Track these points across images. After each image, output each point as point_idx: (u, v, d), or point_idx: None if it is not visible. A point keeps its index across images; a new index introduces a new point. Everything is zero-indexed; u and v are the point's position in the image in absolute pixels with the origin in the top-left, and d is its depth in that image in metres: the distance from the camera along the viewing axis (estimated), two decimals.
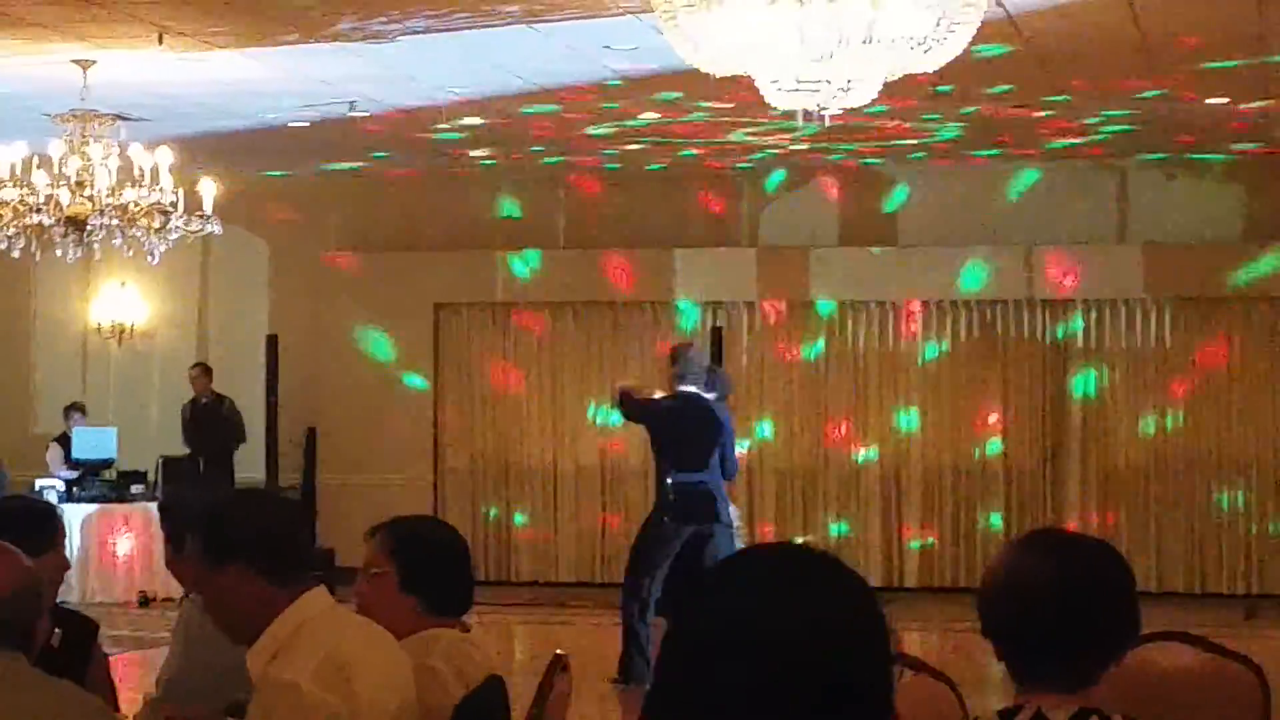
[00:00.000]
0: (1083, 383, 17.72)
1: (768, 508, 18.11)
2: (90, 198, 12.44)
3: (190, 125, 14.70)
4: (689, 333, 17.52)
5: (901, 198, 18.08)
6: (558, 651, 5.39)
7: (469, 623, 5.19)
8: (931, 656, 6.18)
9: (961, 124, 15.03)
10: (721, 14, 8.36)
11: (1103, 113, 14.56)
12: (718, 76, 9.13)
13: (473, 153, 16.75)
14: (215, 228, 13.10)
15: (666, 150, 16.50)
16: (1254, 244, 17.23)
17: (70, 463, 18.03)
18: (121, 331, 19.29)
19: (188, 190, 12.96)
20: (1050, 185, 17.67)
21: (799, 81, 8.84)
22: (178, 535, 5.38)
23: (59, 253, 12.77)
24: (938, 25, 8.43)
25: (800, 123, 9.53)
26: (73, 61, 12.18)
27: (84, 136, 12.58)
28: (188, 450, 18.37)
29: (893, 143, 15.99)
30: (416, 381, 18.67)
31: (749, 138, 15.67)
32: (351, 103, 13.90)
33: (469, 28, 11.30)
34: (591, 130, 15.37)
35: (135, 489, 17.53)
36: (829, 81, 8.79)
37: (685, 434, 12.31)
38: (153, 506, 15.72)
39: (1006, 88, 13.29)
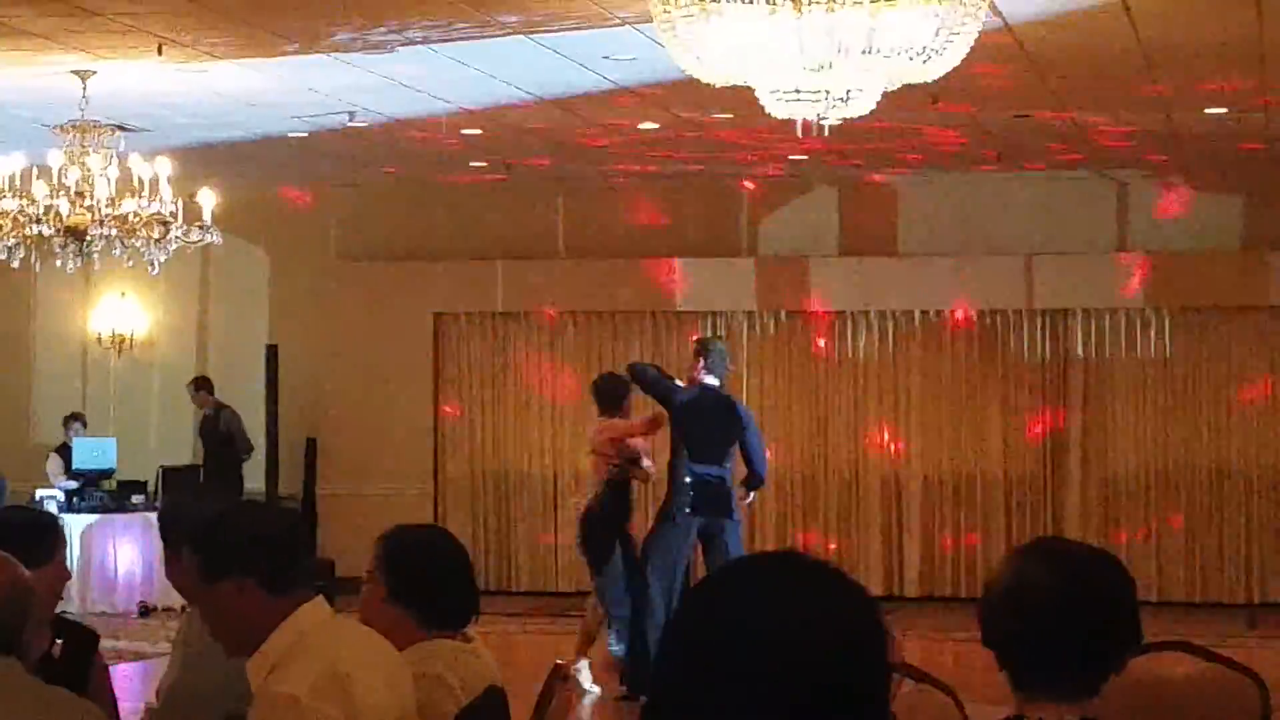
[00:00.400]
0: (1082, 392, 17.72)
1: (768, 517, 18.11)
2: (90, 208, 12.44)
3: (190, 136, 14.70)
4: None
5: (901, 208, 18.09)
6: (558, 661, 5.38)
7: (472, 633, 5.19)
8: (932, 666, 6.18)
9: (960, 134, 15.03)
10: (720, 24, 8.36)
11: (1102, 121, 14.56)
12: (717, 86, 9.13)
13: (472, 163, 16.75)
14: (215, 238, 13.11)
15: (666, 160, 16.50)
16: (1254, 253, 17.24)
17: (70, 473, 18.03)
18: (121, 342, 19.30)
19: (187, 200, 12.96)
20: (1049, 195, 17.68)
21: (798, 91, 8.84)
22: (177, 546, 5.37)
23: (59, 263, 12.78)
24: (936, 35, 8.43)
25: (800, 133, 9.53)
26: (72, 72, 12.18)
27: (83, 147, 12.58)
28: (200, 461, 18.40)
29: (892, 153, 15.99)
30: (416, 391, 18.66)
31: (748, 148, 15.67)
32: (350, 113, 13.90)
33: (467, 38, 11.30)
34: (590, 140, 15.37)
35: (135, 499, 17.53)
36: (828, 91, 8.80)
37: (706, 427, 12.34)
38: (153, 517, 15.69)
39: (1005, 97, 13.29)
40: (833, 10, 8.19)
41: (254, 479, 18.02)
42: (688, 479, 12.30)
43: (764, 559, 2.27)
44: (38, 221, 12.39)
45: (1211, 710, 4.91)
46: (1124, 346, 17.64)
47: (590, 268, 18.33)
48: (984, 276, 17.66)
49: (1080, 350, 17.72)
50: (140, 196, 12.60)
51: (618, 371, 13.39)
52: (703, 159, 16.45)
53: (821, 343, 18.15)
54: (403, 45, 11.50)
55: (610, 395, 12.79)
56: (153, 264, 12.90)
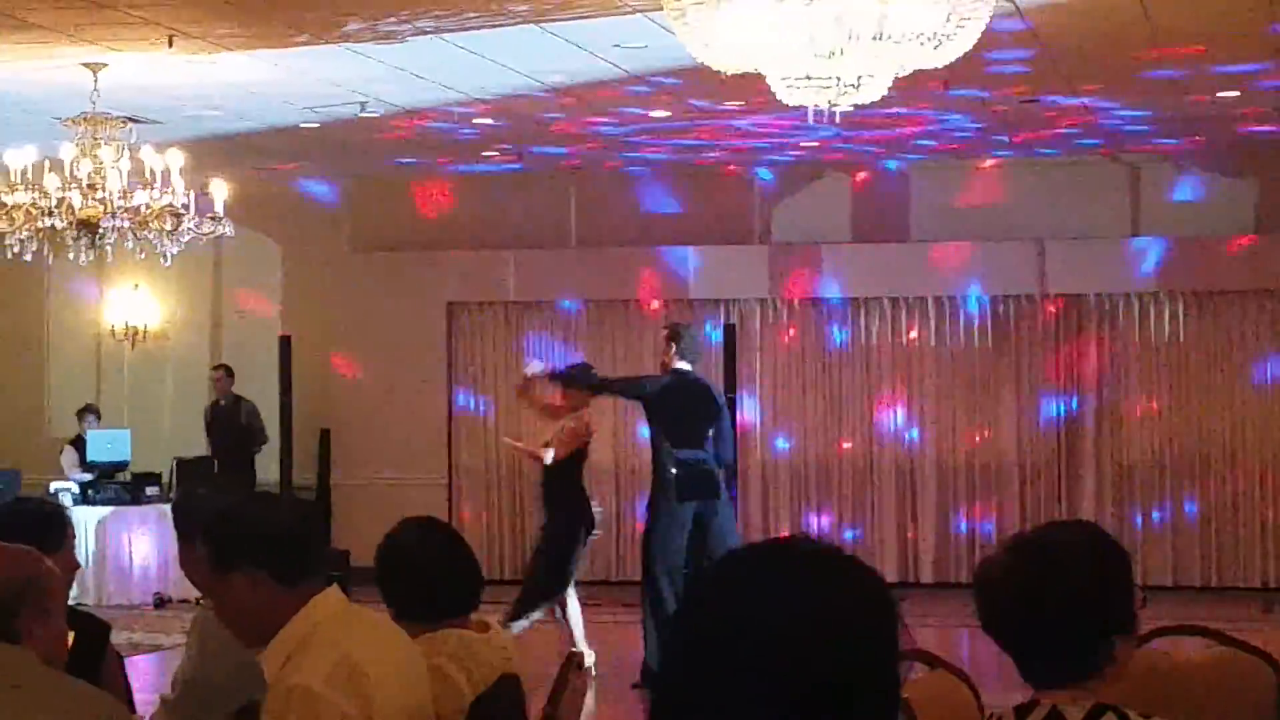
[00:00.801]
0: (1096, 377, 17.69)
1: (782, 504, 18.12)
2: (102, 200, 12.45)
3: (201, 127, 14.71)
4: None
5: (913, 193, 18.07)
6: (572, 649, 5.38)
7: (489, 620, 5.19)
8: (947, 652, 6.17)
9: (972, 119, 15.01)
10: (731, 11, 8.36)
11: (1114, 106, 14.54)
12: (728, 74, 9.12)
13: (484, 152, 16.75)
14: (227, 229, 13.13)
15: (678, 148, 16.49)
16: (1267, 237, 17.20)
17: (85, 465, 18.06)
18: (135, 334, 19.32)
19: (199, 192, 12.97)
20: (1062, 179, 17.65)
21: (809, 78, 8.83)
22: (191, 537, 5.38)
23: (71, 256, 12.79)
24: (947, 21, 8.42)
25: (811, 119, 9.51)
26: (83, 65, 12.19)
27: (95, 139, 12.58)
28: (209, 452, 18.41)
29: (904, 138, 15.97)
30: (430, 381, 18.67)
31: (760, 135, 15.66)
32: (362, 103, 13.91)
33: (478, 27, 11.30)
34: (602, 128, 15.37)
35: (150, 491, 17.55)
36: (839, 78, 8.78)
37: (685, 412, 12.35)
38: (167, 508, 15.69)
39: (1017, 82, 13.26)
40: None
41: (268, 470, 18.04)
42: (674, 470, 12.29)
43: (770, 546, 2.26)
44: (50, 214, 12.40)
45: (1227, 693, 4.90)
46: (1138, 331, 17.61)
47: (603, 256, 18.32)
48: (997, 262, 17.64)
49: (1094, 335, 17.70)
50: (152, 188, 12.61)
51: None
52: (715, 146, 16.44)
53: (835, 329, 18.13)
54: (414, 35, 11.50)
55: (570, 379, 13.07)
56: (165, 256, 12.91)
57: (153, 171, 12.65)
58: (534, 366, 13.57)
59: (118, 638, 5.76)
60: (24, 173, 12.53)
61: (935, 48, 8.53)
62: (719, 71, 9.07)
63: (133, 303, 19.37)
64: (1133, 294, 17.56)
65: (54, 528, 5.33)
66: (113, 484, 17.74)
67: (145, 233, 12.61)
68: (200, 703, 5.29)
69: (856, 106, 9.35)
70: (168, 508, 15.66)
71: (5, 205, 12.49)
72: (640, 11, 10.65)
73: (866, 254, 17.93)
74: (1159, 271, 17.37)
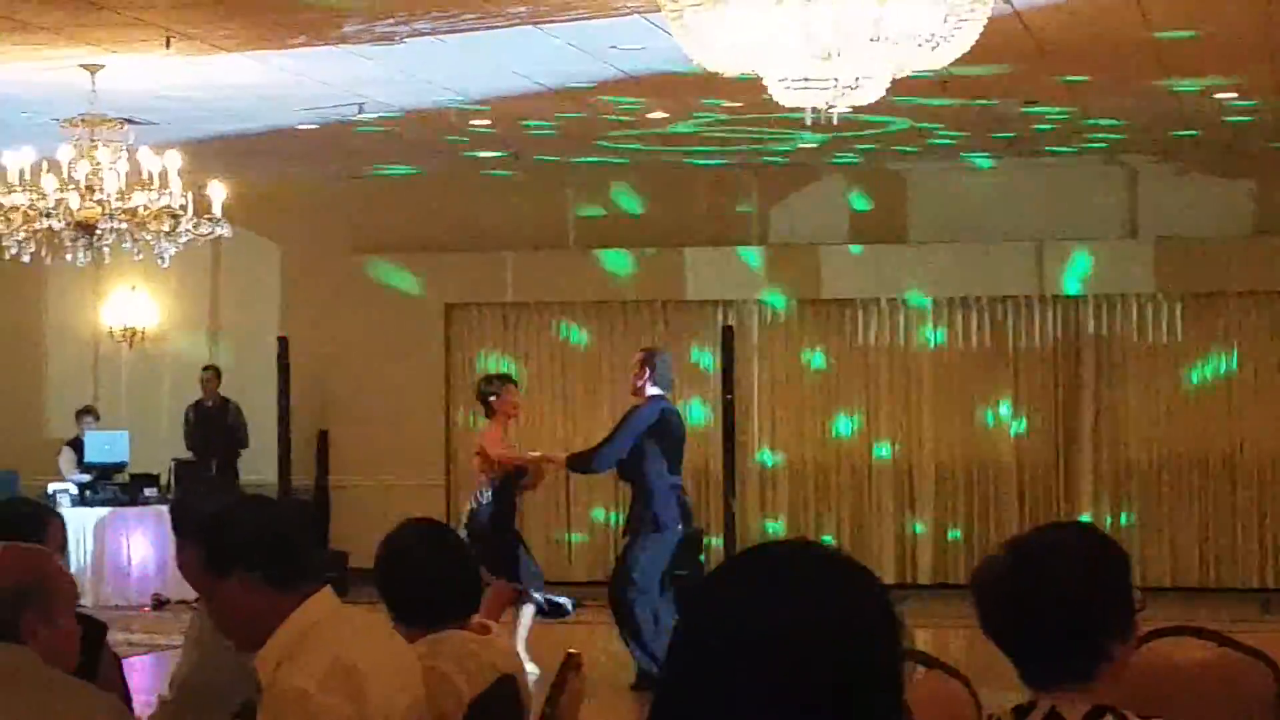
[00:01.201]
0: (1094, 378, 17.70)
1: (780, 505, 18.12)
2: (100, 202, 12.45)
3: (199, 128, 14.71)
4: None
5: (911, 194, 18.07)
6: (570, 651, 5.38)
7: (489, 624, 5.19)
8: (945, 653, 6.17)
9: (970, 120, 15.01)
10: (728, 12, 8.35)
11: (1112, 107, 14.54)
12: (725, 75, 9.12)
13: (481, 154, 16.75)
14: (225, 231, 13.12)
15: (674, 149, 16.48)
16: (1265, 238, 17.20)
17: (82, 466, 18.05)
18: (133, 335, 19.32)
19: (197, 193, 12.96)
20: (1060, 181, 17.65)
21: (806, 79, 8.83)
22: (188, 538, 5.38)
23: (69, 257, 12.79)
24: (944, 22, 8.42)
25: (808, 121, 9.51)
26: (80, 66, 12.18)
27: (93, 141, 12.58)
28: (190, 453, 18.41)
29: (901, 139, 15.97)
30: (428, 383, 18.66)
31: (757, 136, 15.65)
32: (359, 105, 13.90)
33: (475, 29, 11.29)
34: (599, 130, 15.36)
35: (148, 492, 17.55)
36: (836, 79, 8.78)
37: (674, 439, 12.48)
38: (165, 509, 15.72)
39: (1014, 83, 13.26)
40: None
41: (266, 471, 18.02)
42: (673, 490, 12.40)
43: (775, 549, 2.26)
44: (48, 216, 12.40)
45: (1225, 695, 4.90)
46: (1135, 332, 17.62)
47: (600, 258, 18.32)
48: (995, 263, 17.63)
49: (1091, 336, 17.70)
50: (150, 190, 12.61)
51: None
52: (711, 148, 16.43)
53: (832, 331, 18.13)
54: (411, 36, 11.50)
55: (483, 400, 13.11)
56: (163, 257, 12.91)
57: (150, 173, 12.65)
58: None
59: (115, 638, 5.75)
60: (22, 174, 12.53)
61: (933, 49, 8.53)
62: (716, 72, 9.06)
63: (131, 304, 19.36)
64: (1131, 295, 17.56)
65: (27, 528, 5.28)
66: (110, 485, 17.74)
67: (143, 234, 12.62)
68: (199, 704, 5.30)
69: (854, 108, 9.34)
70: (165, 509, 15.69)
71: (3, 206, 12.49)
72: (638, 13, 10.65)
73: (864, 255, 17.93)
74: (1158, 272, 17.37)
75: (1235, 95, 13.74)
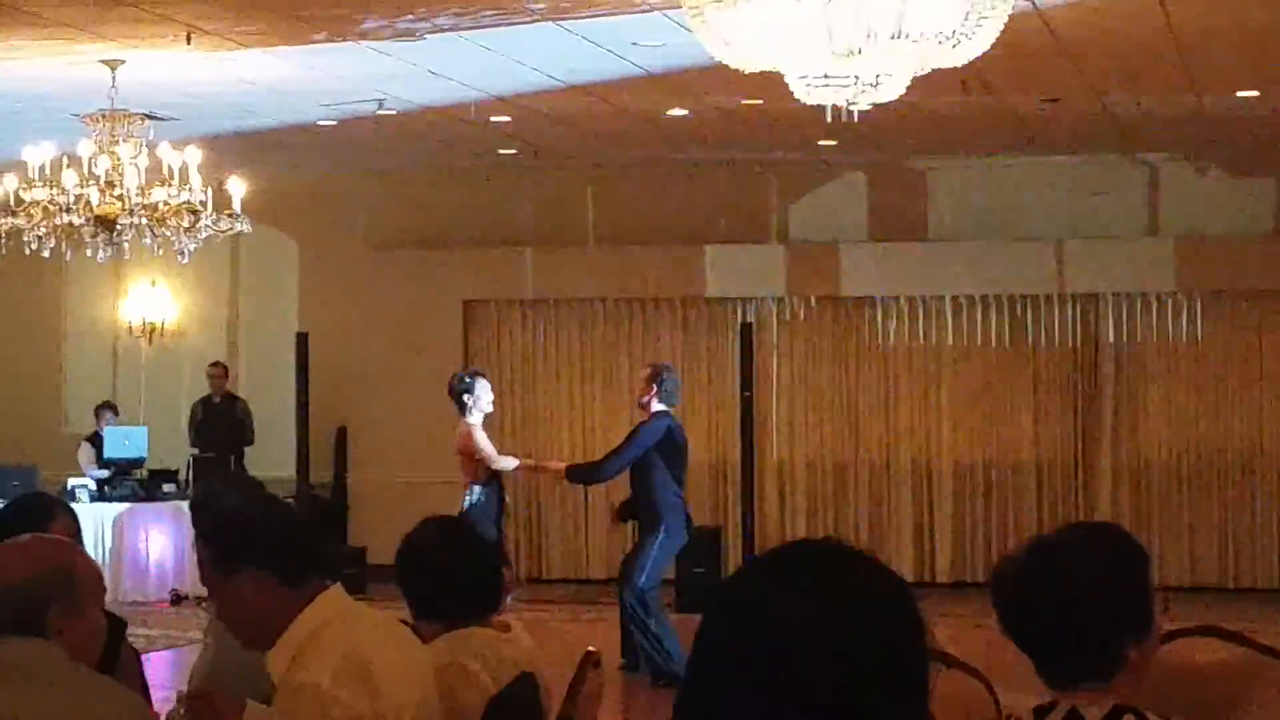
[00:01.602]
0: (1113, 377, 17.67)
1: (799, 503, 18.10)
2: (120, 197, 12.47)
3: (219, 124, 14.72)
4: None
5: (931, 192, 18.05)
6: (589, 648, 5.38)
7: (510, 620, 5.19)
8: (964, 652, 6.16)
9: (991, 118, 14.98)
10: (749, 10, 8.35)
11: (1132, 105, 14.50)
12: (746, 72, 9.11)
13: (501, 150, 16.75)
14: (244, 226, 13.14)
15: (695, 146, 16.48)
16: None
17: (101, 462, 18.07)
18: (152, 330, 19.35)
19: (216, 189, 12.98)
20: (1081, 179, 17.62)
21: (827, 77, 8.82)
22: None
23: (89, 252, 12.81)
24: (966, 19, 8.41)
25: (829, 118, 9.50)
26: (101, 62, 12.20)
27: (113, 136, 12.60)
28: (194, 449, 18.43)
29: (922, 137, 15.94)
30: (446, 379, 18.63)
31: (778, 133, 15.63)
32: (379, 101, 13.91)
33: (496, 25, 11.29)
34: (619, 127, 15.35)
35: (166, 488, 17.57)
36: (857, 77, 8.77)
37: (679, 453, 12.63)
38: (184, 505, 15.76)
39: (1035, 81, 13.24)
40: None
41: (284, 467, 18.03)
42: (680, 502, 12.58)
43: (799, 548, 2.25)
44: (68, 211, 12.42)
45: (1244, 694, 4.89)
46: (1155, 331, 17.58)
47: (620, 255, 18.31)
48: (1014, 261, 17.61)
49: (1111, 335, 17.66)
50: (170, 185, 12.63)
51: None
52: (732, 145, 16.42)
53: (851, 329, 18.11)
54: (431, 33, 11.50)
55: (456, 398, 13.34)
56: (183, 253, 12.93)
57: (170, 168, 12.67)
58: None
59: (134, 634, 5.75)
60: (42, 169, 12.55)
61: (954, 46, 8.52)
62: (737, 70, 9.06)
63: (150, 300, 19.39)
64: (1151, 293, 17.53)
65: (34, 521, 5.24)
66: (129, 480, 17.75)
67: (163, 230, 12.64)
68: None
69: (875, 105, 9.33)
70: (184, 504, 15.75)
71: (24, 202, 12.52)
72: (658, 10, 10.64)
73: (883, 253, 17.91)
74: (1176, 271, 17.33)
75: (1256, 94, 13.71)
